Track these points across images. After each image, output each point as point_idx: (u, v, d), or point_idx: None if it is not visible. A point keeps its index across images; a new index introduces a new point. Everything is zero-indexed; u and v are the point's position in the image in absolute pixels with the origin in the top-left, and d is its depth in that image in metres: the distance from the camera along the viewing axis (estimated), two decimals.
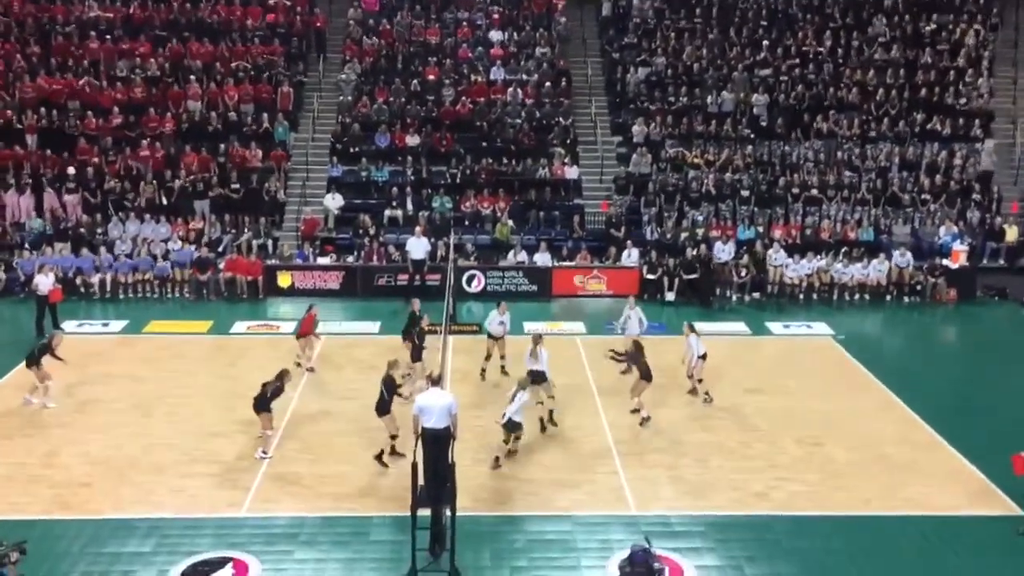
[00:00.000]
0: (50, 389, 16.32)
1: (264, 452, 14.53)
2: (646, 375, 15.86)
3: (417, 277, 23.52)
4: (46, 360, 16.40)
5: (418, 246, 23.68)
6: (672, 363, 18.48)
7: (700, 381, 17.11)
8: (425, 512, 11.45)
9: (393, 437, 14.24)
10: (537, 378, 15.47)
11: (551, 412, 15.69)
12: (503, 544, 12.23)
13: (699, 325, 21.11)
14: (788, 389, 17.75)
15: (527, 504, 13.23)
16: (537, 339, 15.99)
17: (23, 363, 18.03)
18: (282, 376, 14.86)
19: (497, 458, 14.28)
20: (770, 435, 15.61)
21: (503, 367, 17.98)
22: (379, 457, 14.24)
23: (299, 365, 17.91)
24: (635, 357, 16.06)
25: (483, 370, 18.01)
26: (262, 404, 14.47)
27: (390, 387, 14.33)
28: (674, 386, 17.39)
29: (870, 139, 28.25)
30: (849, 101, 28.93)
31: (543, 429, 15.48)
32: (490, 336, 18.06)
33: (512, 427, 14.31)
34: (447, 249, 24.07)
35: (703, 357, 16.99)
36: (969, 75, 29.55)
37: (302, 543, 12.17)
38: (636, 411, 16.02)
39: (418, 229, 24.16)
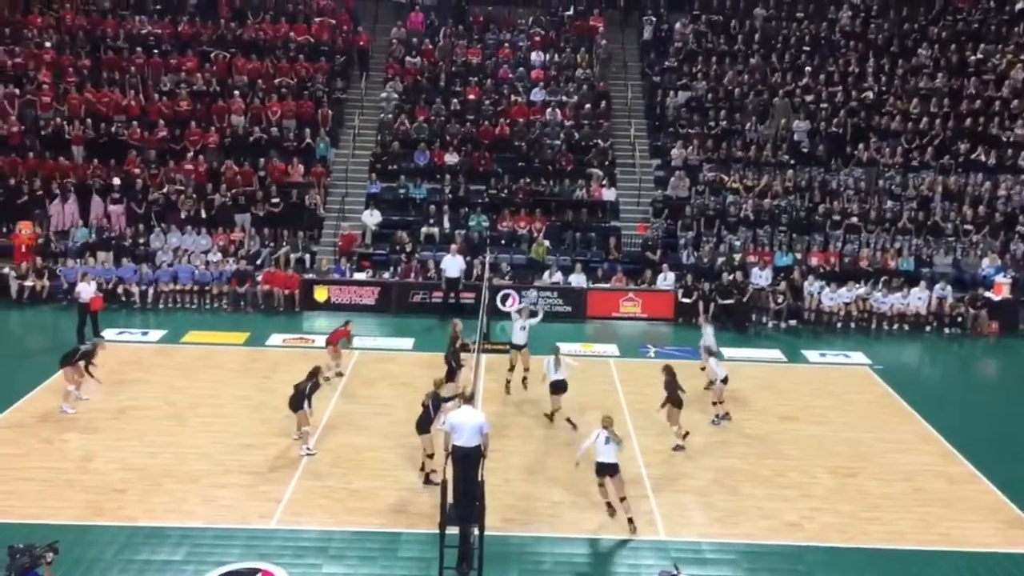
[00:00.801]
0: (71, 395, 16.50)
1: (308, 450, 14.87)
2: (675, 401, 15.54)
3: (451, 295, 23.60)
4: (81, 365, 16.64)
5: (453, 264, 23.78)
6: (707, 388, 18.39)
7: (717, 403, 16.96)
8: (454, 530, 11.43)
9: (430, 456, 14.12)
10: (557, 388, 16.01)
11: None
12: (530, 565, 12.17)
13: (734, 351, 21.14)
14: (823, 418, 17.53)
15: (556, 526, 13.17)
16: (556, 350, 16.45)
17: (61, 370, 18.43)
18: (315, 374, 15.12)
19: (609, 504, 13.31)
20: (804, 464, 15.41)
21: (524, 379, 18.01)
22: (427, 478, 14.03)
23: (328, 380, 17.83)
24: (668, 383, 15.65)
25: (507, 382, 18.11)
26: (298, 402, 14.74)
27: (436, 405, 14.11)
28: (705, 412, 17.24)
29: (912, 168, 27.95)
30: (892, 129, 28.69)
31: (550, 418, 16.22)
32: (513, 346, 18.17)
33: (602, 470, 13.02)
34: (482, 267, 24.15)
35: (724, 381, 16.84)
36: (1014, 106, 29.18)
37: (331, 557, 12.21)
38: (680, 442, 15.69)
39: (453, 247, 24.26)
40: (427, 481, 14.02)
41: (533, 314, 18.84)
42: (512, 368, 18.13)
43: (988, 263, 25.37)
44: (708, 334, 18.81)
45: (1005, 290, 24.38)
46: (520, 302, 15.82)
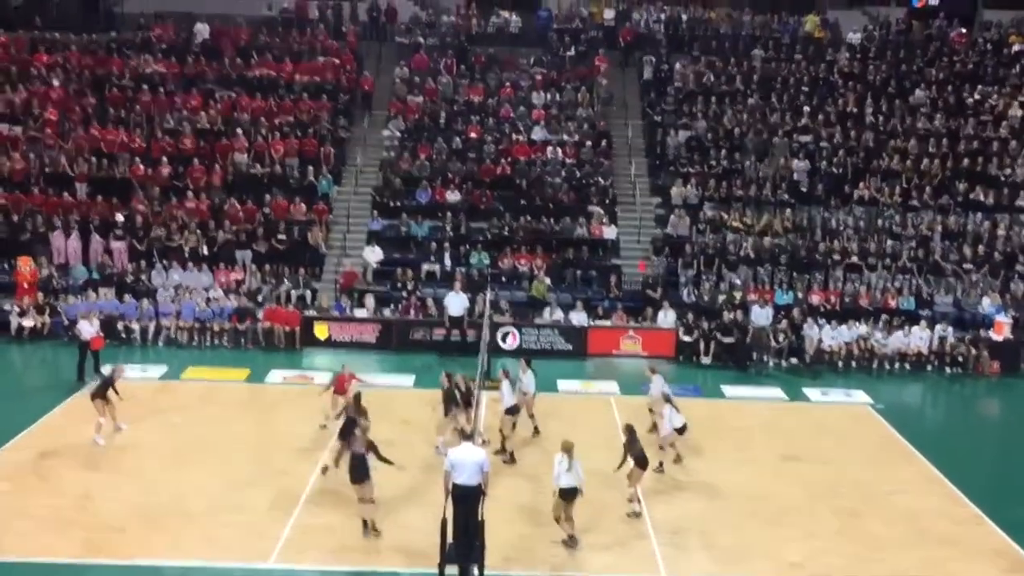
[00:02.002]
0: (103, 427, 16.57)
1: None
2: (639, 461, 14.52)
3: (455, 332, 23.58)
4: (110, 394, 16.76)
5: (456, 302, 23.80)
6: (707, 426, 18.35)
7: (667, 448, 16.49)
8: (453, 570, 11.35)
9: (371, 501, 13.56)
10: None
11: (571, 536, 13.57)
12: None
13: (735, 389, 21.13)
14: (826, 458, 17.45)
15: (557, 565, 13.06)
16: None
17: (61, 404, 18.42)
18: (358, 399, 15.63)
19: (569, 535, 13.49)
20: (807, 504, 15.32)
21: (535, 428, 17.86)
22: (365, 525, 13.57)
23: (324, 427, 17.62)
24: (629, 443, 14.64)
25: (513, 424, 17.85)
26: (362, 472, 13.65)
27: (368, 451, 13.53)
28: (708, 449, 17.17)
29: (912, 207, 28.09)
30: (891, 169, 28.87)
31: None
32: (523, 392, 17.93)
33: (565, 495, 13.27)
34: (483, 305, 24.17)
35: (680, 430, 16.31)
36: (1012, 146, 29.40)
37: None
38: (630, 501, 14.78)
39: (457, 284, 24.31)
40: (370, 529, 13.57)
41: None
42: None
43: (989, 302, 25.39)
44: (659, 383, 17.99)
45: (1006, 330, 24.37)
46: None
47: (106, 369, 18.04)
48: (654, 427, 17.62)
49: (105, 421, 16.69)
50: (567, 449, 13.29)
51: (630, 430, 14.77)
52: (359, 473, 13.27)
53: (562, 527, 13.52)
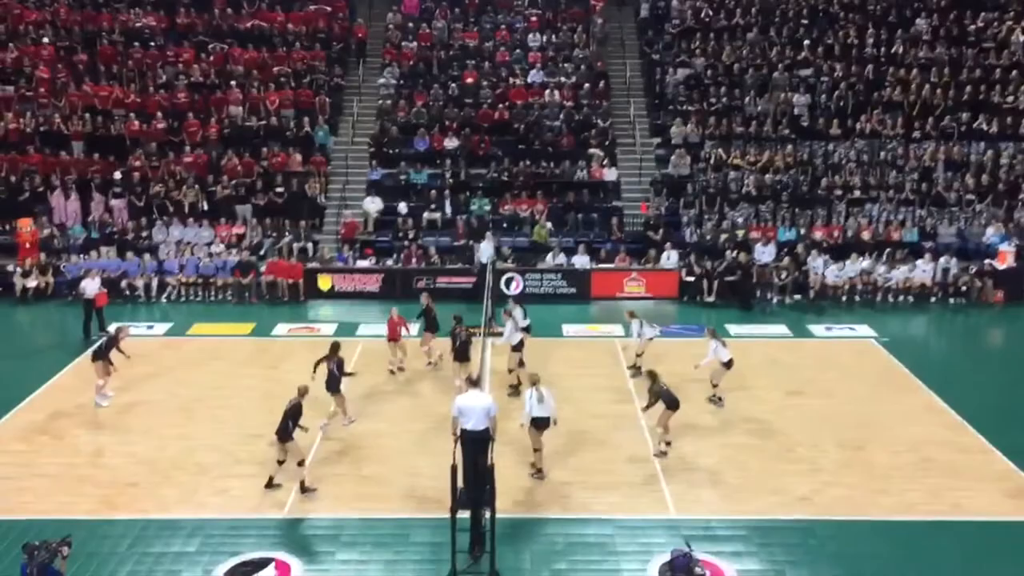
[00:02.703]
0: (103, 387, 16.67)
1: (350, 420, 15.67)
2: (670, 403, 14.52)
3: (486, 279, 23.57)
4: (113, 355, 16.78)
5: (487, 249, 23.96)
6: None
7: (715, 385, 16.84)
8: (465, 514, 11.48)
9: (300, 463, 13.48)
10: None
11: (539, 470, 14.08)
12: (543, 547, 12.23)
13: (740, 328, 21.17)
14: (830, 392, 17.55)
15: (567, 507, 13.22)
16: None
17: (70, 364, 18.51)
18: (336, 349, 15.63)
19: (538, 468, 14.00)
20: (812, 438, 15.44)
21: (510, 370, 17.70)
22: (269, 483, 13.55)
23: (392, 373, 18.33)
24: (652, 388, 14.68)
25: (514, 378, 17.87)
26: (333, 384, 15.27)
27: (295, 416, 13.38)
28: (710, 391, 17.24)
29: (914, 139, 27.84)
30: (892, 100, 28.55)
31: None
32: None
33: (538, 424, 13.79)
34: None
35: (728, 364, 16.53)
36: (1015, 74, 29.01)
37: (343, 544, 12.27)
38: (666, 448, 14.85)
39: (488, 233, 24.54)
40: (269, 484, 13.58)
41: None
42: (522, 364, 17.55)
43: (992, 232, 25.30)
44: (636, 327, 18.34)
45: (1009, 258, 24.32)
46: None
47: (111, 328, 18.08)
48: (638, 371, 17.74)
49: (104, 383, 16.69)
50: (535, 382, 13.85)
51: (652, 375, 14.81)
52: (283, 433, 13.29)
53: (538, 458, 13.96)
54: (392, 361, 18.47)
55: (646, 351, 18.26)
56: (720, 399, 16.79)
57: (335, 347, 15.80)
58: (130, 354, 17.21)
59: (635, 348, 18.43)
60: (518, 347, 17.37)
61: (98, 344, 17.09)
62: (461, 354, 16.82)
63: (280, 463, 13.56)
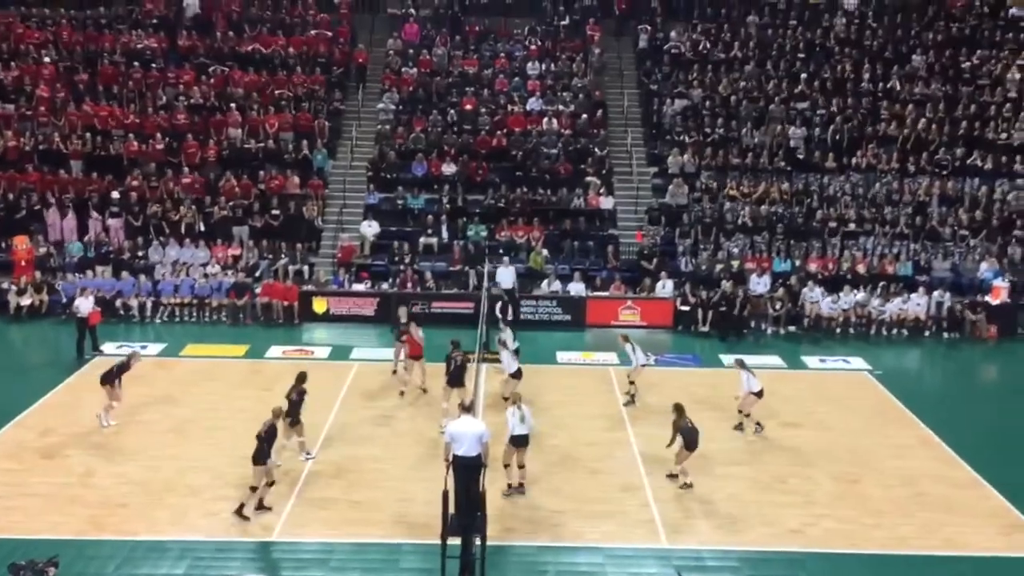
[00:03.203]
0: (114, 409, 16.57)
1: (308, 454, 15.14)
2: (689, 443, 14.42)
3: (506, 305, 23.55)
4: (125, 378, 16.68)
5: (506, 275, 24.00)
6: (705, 395, 18.46)
7: (747, 416, 16.92)
8: (455, 541, 11.42)
9: (270, 484, 13.57)
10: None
11: (520, 484, 14.30)
12: (533, 575, 12.15)
13: (729, 358, 21.13)
14: (824, 424, 17.53)
15: (558, 535, 13.16)
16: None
17: (62, 383, 18.45)
18: (301, 379, 15.24)
19: (510, 484, 14.16)
20: (805, 470, 15.41)
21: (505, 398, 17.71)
22: (240, 511, 13.35)
23: (402, 394, 18.37)
24: (676, 423, 14.61)
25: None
26: (294, 416, 14.82)
27: (270, 438, 13.48)
28: (707, 418, 17.21)
29: (909, 173, 28.03)
30: (888, 135, 28.76)
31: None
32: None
33: (517, 442, 13.99)
34: (478, 278, 24.24)
35: (759, 394, 16.68)
36: (1007, 110, 29.28)
37: (332, 569, 12.19)
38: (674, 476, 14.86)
39: (505, 259, 24.56)
40: (259, 507, 13.48)
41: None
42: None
43: (986, 267, 25.41)
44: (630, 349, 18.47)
45: (1003, 294, 24.42)
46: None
47: (127, 357, 17.56)
48: (632, 399, 18.07)
49: (117, 405, 16.58)
50: (516, 402, 14.14)
51: (678, 409, 14.71)
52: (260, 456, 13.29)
53: (509, 474, 14.13)
54: (406, 382, 18.46)
55: (638, 380, 18.24)
56: (759, 425, 16.87)
57: (301, 377, 15.36)
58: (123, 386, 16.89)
59: (628, 374, 18.42)
60: (516, 375, 17.30)
61: (110, 368, 16.77)
62: (455, 379, 16.79)
63: (253, 489, 13.40)
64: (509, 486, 14.16)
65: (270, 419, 13.66)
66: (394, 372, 19.37)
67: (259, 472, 13.32)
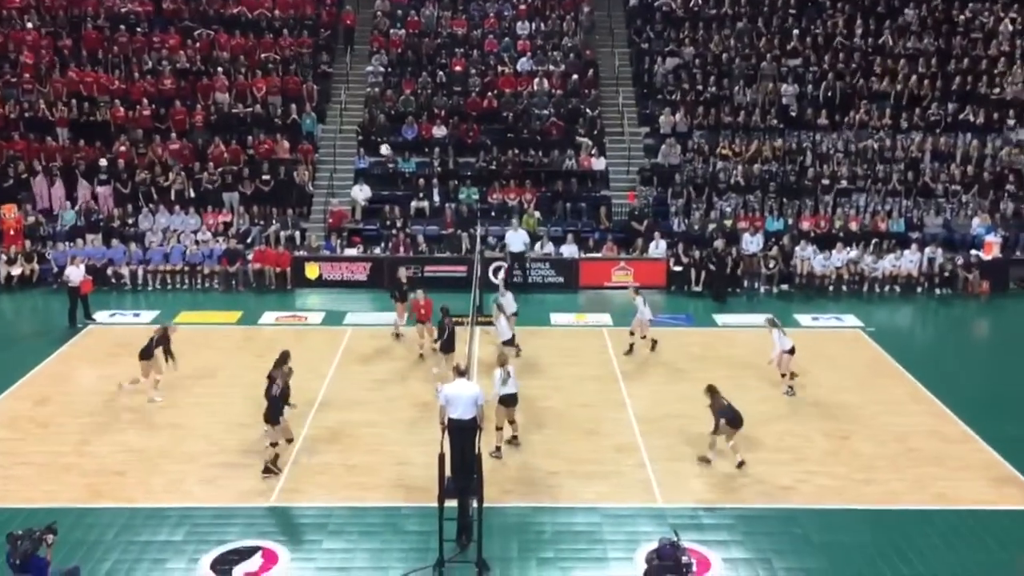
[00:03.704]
0: (150, 385, 16.33)
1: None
2: (732, 421, 14.13)
3: (516, 268, 23.71)
4: (159, 353, 16.29)
5: (516, 238, 23.87)
6: (699, 354, 18.54)
7: (784, 375, 16.99)
8: (452, 503, 11.49)
9: (289, 441, 13.99)
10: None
11: (514, 436, 14.63)
12: (530, 535, 12.25)
13: (727, 317, 21.25)
14: (816, 382, 17.60)
15: (554, 495, 13.25)
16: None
17: (56, 352, 18.43)
18: (284, 359, 14.92)
19: (499, 447, 14.23)
20: (798, 428, 15.51)
21: (518, 348, 18.10)
22: (268, 469, 13.60)
23: (422, 357, 18.43)
24: (713, 406, 14.31)
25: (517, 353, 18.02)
26: (274, 413, 13.85)
27: (285, 396, 13.89)
28: (700, 377, 17.29)
29: (902, 129, 27.93)
30: (880, 91, 28.61)
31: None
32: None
33: (506, 402, 14.16)
34: (471, 241, 24.18)
35: (791, 351, 16.79)
36: (1002, 64, 29.12)
37: (330, 533, 12.27)
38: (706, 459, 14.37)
39: (514, 221, 24.39)
40: (267, 470, 13.61)
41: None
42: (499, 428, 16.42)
43: (978, 222, 25.42)
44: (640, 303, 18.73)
45: (995, 249, 24.47)
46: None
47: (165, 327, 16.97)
48: (631, 349, 18.51)
49: (149, 380, 16.22)
50: (503, 363, 14.26)
51: (711, 390, 14.42)
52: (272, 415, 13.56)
53: (499, 437, 14.24)
54: (422, 344, 18.50)
55: (639, 332, 18.46)
56: (791, 388, 16.89)
57: (284, 357, 14.94)
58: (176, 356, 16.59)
59: (635, 326, 18.57)
60: (510, 342, 17.30)
61: (149, 340, 16.23)
62: (448, 345, 16.85)
63: (273, 445, 13.61)
64: (498, 448, 14.20)
65: (281, 378, 13.91)
66: (396, 336, 19.31)
67: (275, 431, 13.61)
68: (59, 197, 25.76)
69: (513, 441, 14.53)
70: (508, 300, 18.41)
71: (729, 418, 14.12)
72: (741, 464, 14.00)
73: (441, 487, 11.25)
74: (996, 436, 15.02)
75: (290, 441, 14.06)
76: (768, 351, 17.17)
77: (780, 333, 16.96)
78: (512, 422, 14.51)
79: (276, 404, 13.68)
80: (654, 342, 18.94)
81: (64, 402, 16.26)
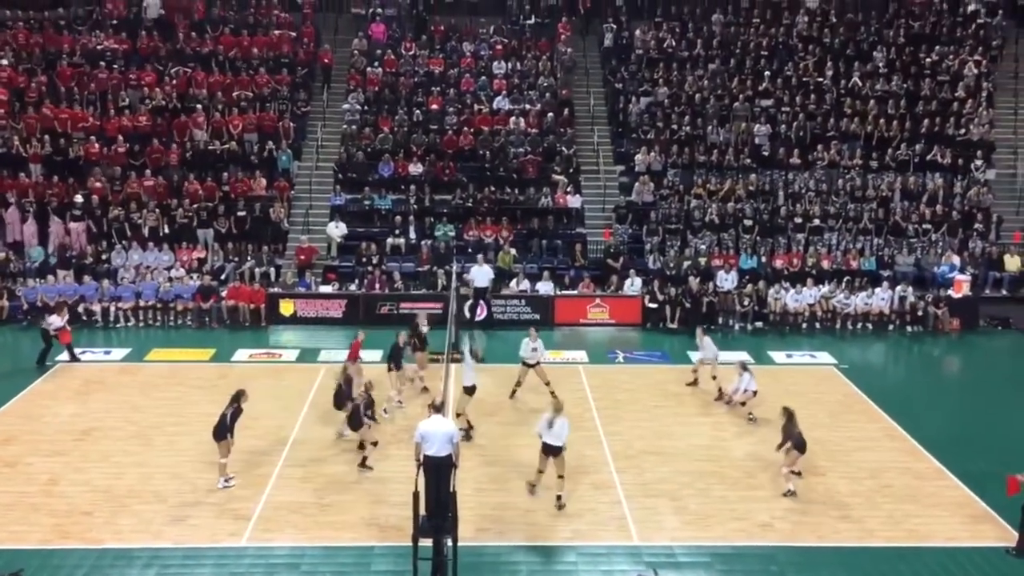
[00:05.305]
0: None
1: (226, 481, 14.34)
2: (799, 445, 14.58)
3: (480, 305, 23.73)
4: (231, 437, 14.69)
5: (481, 274, 23.89)
6: (675, 391, 18.56)
7: (742, 404, 17.63)
8: (427, 542, 11.38)
9: (374, 444, 15.30)
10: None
11: (559, 496, 14.05)
12: (505, 575, 12.13)
13: (698, 355, 21.23)
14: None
15: (530, 534, 13.16)
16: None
17: (24, 391, 18.10)
18: (238, 398, 14.63)
19: (532, 484, 14.28)
20: (774, 465, 15.50)
21: (552, 392, 17.04)
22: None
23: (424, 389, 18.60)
24: (787, 427, 14.82)
25: (513, 391, 18.26)
26: (221, 431, 14.20)
27: (235, 415, 14.45)
28: (676, 414, 17.33)
29: (872, 169, 28.37)
30: (851, 131, 29.08)
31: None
32: (524, 363, 18.14)
33: (544, 449, 13.85)
34: (447, 278, 24.17)
35: (754, 393, 17.45)
36: (969, 106, 29.72)
37: (303, 573, 12.10)
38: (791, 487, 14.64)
39: (480, 257, 24.41)
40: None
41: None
42: (519, 383, 18.33)
43: (947, 261, 25.76)
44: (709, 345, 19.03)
45: (965, 287, 24.77)
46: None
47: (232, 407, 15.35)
48: (695, 382, 19.06)
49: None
50: (558, 409, 13.93)
51: (788, 413, 14.83)
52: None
53: (537, 478, 14.14)
54: (421, 376, 18.73)
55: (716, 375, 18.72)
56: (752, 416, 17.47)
57: (238, 395, 14.65)
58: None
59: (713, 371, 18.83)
60: (470, 390, 16.49)
61: (222, 424, 14.42)
62: (396, 362, 17.64)
63: (362, 446, 15.16)
64: (532, 485, 14.32)
65: (362, 393, 15.60)
66: (424, 389, 18.51)
67: (363, 432, 15.13)
68: (31, 233, 25.53)
69: (558, 500, 13.87)
70: (480, 345, 18.34)
71: (797, 444, 14.46)
72: (788, 493, 14.33)
73: (416, 526, 11.15)
74: (967, 472, 15.13)
75: (374, 444, 15.19)
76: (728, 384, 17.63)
77: (750, 376, 17.36)
78: (560, 477, 13.86)
79: (223, 423, 14.28)
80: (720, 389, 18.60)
81: (31, 441, 15.99)
